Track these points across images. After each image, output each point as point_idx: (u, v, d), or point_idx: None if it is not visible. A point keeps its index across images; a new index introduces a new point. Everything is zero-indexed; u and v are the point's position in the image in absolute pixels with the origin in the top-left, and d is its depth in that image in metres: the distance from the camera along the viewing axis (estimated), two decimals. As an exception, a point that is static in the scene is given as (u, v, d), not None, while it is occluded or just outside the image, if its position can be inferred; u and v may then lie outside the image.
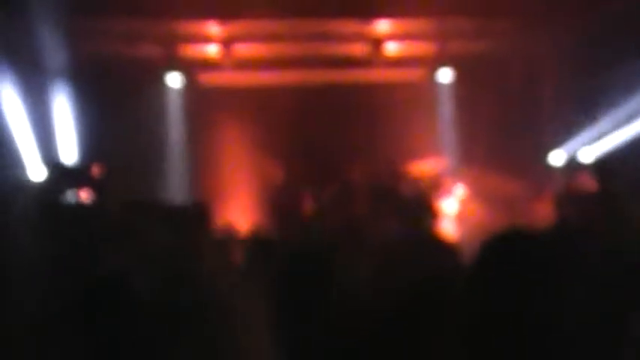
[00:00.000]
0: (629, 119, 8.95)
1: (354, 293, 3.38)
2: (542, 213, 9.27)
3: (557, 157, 10.54)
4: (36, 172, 8.53)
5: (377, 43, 10.43)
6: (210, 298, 1.73)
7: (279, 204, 9.57)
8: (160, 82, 10.44)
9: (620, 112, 9.02)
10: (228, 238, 8.81)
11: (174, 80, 10.51)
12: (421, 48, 10.75)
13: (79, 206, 7.49)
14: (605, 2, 9.07)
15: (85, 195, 7.50)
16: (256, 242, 4.36)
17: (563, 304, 1.61)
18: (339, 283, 3.32)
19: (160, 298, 1.81)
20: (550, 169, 10.56)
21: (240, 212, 9.76)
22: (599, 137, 9.61)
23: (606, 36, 8.78)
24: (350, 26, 10.46)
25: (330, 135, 10.06)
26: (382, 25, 10.43)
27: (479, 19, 10.17)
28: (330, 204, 9.41)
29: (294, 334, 2.93)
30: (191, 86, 10.51)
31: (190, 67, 10.52)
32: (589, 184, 9.51)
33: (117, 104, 9.17)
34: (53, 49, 8.62)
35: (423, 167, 9.66)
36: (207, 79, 10.62)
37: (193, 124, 10.22)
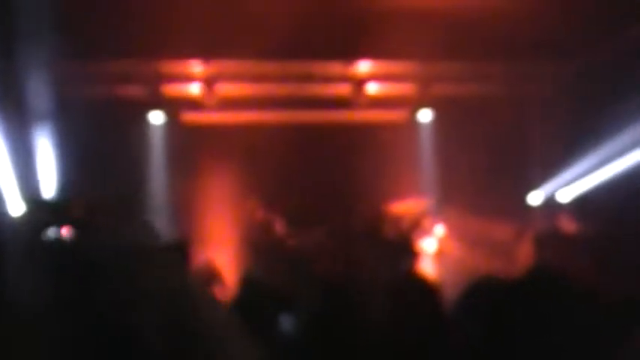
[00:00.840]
0: (608, 160, 9.10)
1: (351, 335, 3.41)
2: (523, 254, 9.35)
3: (536, 198, 10.65)
4: (17, 208, 8.52)
5: (359, 83, 10.55)
6: (199, 339, 1.76)
7: (261, 246, 9.57)
8: (143, 120, 10.51)
9: (600, 153, 9.17)
10: (211, 276, 8.83)
11: (157, 119, 10.59)
12: (403, 89, 10.89)
13: (61, 243, 7.46)
14: (589, 50, 9.28)
15: (66, 232, 7.48)
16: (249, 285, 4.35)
17: (542, 348, 1.65)
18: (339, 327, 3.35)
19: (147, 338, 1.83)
20: (530, 210, 10.66)
21: (221, 251, 9.76)
22: (579, 177, 9.74)
23: (588, 82, 8.97)
24: (333, 67, 10.60)
25: (312, 175, 10.12)
26: (364, 66, 10.58)
27: (462, 62, 10.37)
28: (315, 248, 9.42)
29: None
30: (174, 125, 10.59)
31: (173, 106, 10.60)
32: (569, 224, 9.63)
33: (100, 143, 9.20)
34: (37, 90, 8.68)
35: (404, 207, 9.72)
36: (190, 117, 10.70)
37: (176, 162, 10.26)
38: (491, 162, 10.19)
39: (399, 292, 4.34)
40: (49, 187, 9.15)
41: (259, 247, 9.53)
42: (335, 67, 10.63)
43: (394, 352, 3.28)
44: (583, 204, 9.61)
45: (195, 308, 1.79)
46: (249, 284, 4.44)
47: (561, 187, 10.17)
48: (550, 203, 10.34)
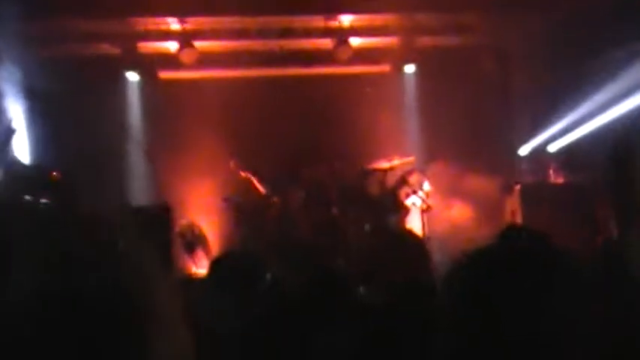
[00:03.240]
0: (597, 111, 9.09)
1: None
2: (511, 207, 9.39)
3: (525, 150, 10.67)
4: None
5: (341, 38, 10.45)
6: (174, 307, 1.72)
7: (244, 207, 9.56)
8: (119, 80, 10.39)
9: (589, 104, 9.16)
10: (194, 239, 8.81)
11: (134, 78, 10.47)
12: (386, 43, 10.80)
13: (38, 211, 7.40)
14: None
15: (43, 200, 7.42)
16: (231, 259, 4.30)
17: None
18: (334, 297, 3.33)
19: (122, 302, 1.79)
20: (518, 163, 10.69)
21: (203, 211, 9.75)
22: (567, 129, 9.74)
23: (578, 28, 8.90)
24: (314, 21, 10.49)
25: (294, 132, 10.08)
26: (346, 20, 10.48)
27: (445, 14, 10.29)
28: (299, 207, 9.43)
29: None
30: (151, 83, 10.48)
31: (150, 65, 10.48)
32: (557, 176, 9.67)
33: (77, 105, 9.10)
34: (8, 52, 8.53)
35: (389, 164, 9.71)
36: (168, 76, 10.59)
37: (153, 121, 10.17)
38: (477, 115, 10.17)
39: (386, 249, 4.34)
40: (23, 155, 9.04)
41: (241, 208, 9.52)
42: (316, 22, 10.53)
43: (382, 311, 3.27)
44: (571, 155, 9.62)
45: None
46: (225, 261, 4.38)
47: (549, 139, 10.17)
48: (538, 155, 10.35)
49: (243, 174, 9.65)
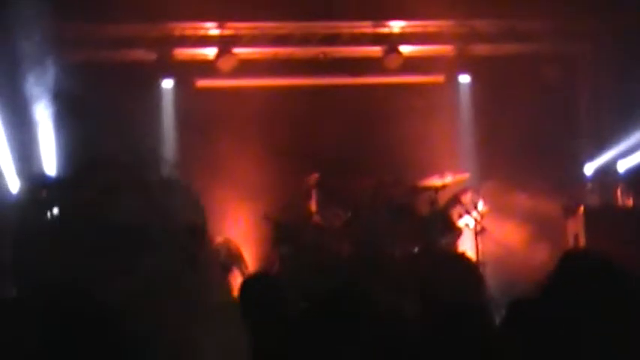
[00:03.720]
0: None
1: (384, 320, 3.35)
2: (573, 230, 9.19)
3: (590, 169, 10.46)
4: (19, 186, 8.49)
5: (391, 45, 10.39)
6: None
7: (285, 226, 9.47)
8: (155, 87, 10.44)
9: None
10: (231, 257, 8.77)
11: (169, 85, 10.51)
12: (439, 51, 10.71)
13: (69, 222, 7.43)
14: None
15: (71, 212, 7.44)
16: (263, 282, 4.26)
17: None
18: (369, 314, 3.29)
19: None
20: (582, 183, 10.48)
21: (240, 229, 9.70)
22: (638, 146, 9.53)
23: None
24: (362, 28, 10.46)
25: (339, 146, 10.00)
26: (397, 27, 10.43)
27: (503, 20, 10.18)
28: (344, 226, 9.33)
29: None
30: (187, 91, 10.50)
31: (186, 71, 10.52)
32: (625, 199, 9.43)
33: (108, 113, 9.17)
34: (41, 56, 8.65)
35: (441, 181, 9.58)
36: (205, 83, 10.61)
37: (189, 129, 10.17)
38: (538, 130, 10.00)
39: (436, 271, 4.25)
40: (53, 161, 9.12)
41: (281, 226, 9.45)
42: (364, 28, 10.49)
43: (430, 334, 3.21)
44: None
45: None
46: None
47: (617, 156, 9.96)
48: (605, 175, 10.14)
49: (283, 184, 9.58)
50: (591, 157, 10.46)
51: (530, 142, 9.91)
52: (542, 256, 8.02)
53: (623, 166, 9.96)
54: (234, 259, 8.93)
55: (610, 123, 10.17)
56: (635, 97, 9.38)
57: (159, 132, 10.24)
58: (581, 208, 9.19)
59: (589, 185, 10.41)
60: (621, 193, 9.55)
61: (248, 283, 4.17)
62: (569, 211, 9.35)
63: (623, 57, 9.54)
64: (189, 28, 10.28)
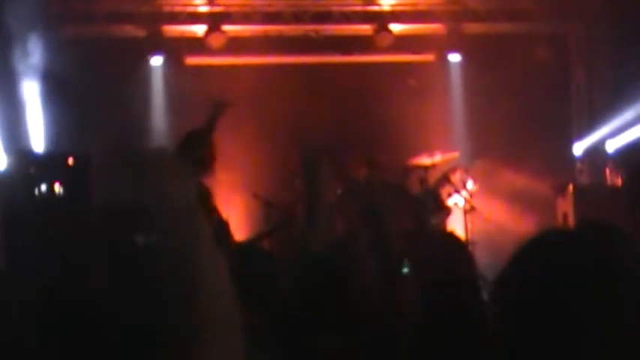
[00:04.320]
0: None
1: (374, 296, 3.36)
2: (562, 209, 9.21)
3: (580, 148, 10.47)
4: (4, 163, 8.42)
5: (382, 23, 10.35)
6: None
7: (274, 204, 9.46)
8: (143, 64, 10.36)
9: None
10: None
11: (158, 62, 10.43)
12: (430, 29, 10.67)
13: (54, 201, 7.41)
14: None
15: (59, 188, 7.40)
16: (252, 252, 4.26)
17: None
18: (359, 288, 3.31)
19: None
20: (572, 162, 10.49)
21: (229, 206, 9.67)
22: (627, 126, 9.52)
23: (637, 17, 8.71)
24: (352, 6, 10.41)
25: (329, 124, 9.98)
26: (387, 4, 10.39)
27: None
28: (337, 204, 9.31)
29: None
30: (176, 68, 10.43)
31: (176, 48, 10.44)
32: (615, 178, 9.45)
33: (97, 89, 9.11)
34: (27, 31, 8.57)
35: (431, 160, 9.57)
36: (194, 60, 10.54)
37: (178, 107, 10.12)
38: (528, 109, 9.99)
39: (426, 250, 4.26)
40: (40, 137, 9.06)
41: (270, 205, 9.43)
42: (355, 6, 10.44)
43: (422, 312, 3.23)
44: (631, 155, 9.41)
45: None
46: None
47: (607, 136, 9.96)
48: (594, 155, 10.16)
49: (273, 163, 9.56)
50: (581, 136, 10.47)
51: (520, 122, 9.91)
52: (531, 235, 8.02)
53: (611, 146, 9.97)
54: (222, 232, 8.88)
55: (600, 103, 10.16)
56: (625, 77, 9.37)
57: (148, 109, 10.17)
58: (571, 187, 9.20)
59: (578, 164, 10.44)
60: (610, 172, 9.57)
61: (235, 253, 4.17)
62: (559, 190, 9.36)
63: (616, 37, 9.52)
64: (178, 4, 10.22)
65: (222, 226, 5.31)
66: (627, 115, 9.46)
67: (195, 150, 6.23)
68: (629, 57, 9.11)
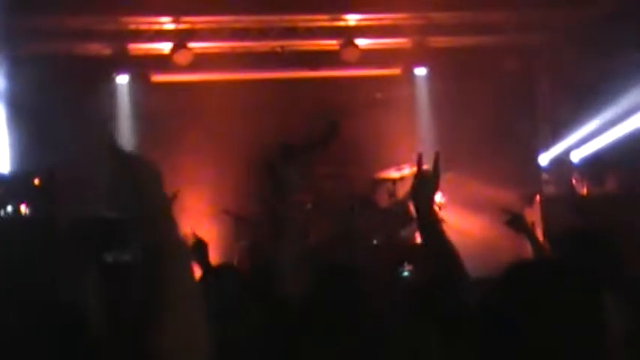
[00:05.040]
0: (623, 117, 8.99)
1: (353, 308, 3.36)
2: (530, 219, 9.26)
3: (546, 159, 10.56)
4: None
5: (348, 38, 10.39)
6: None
7: (245, 219, 9.42)
8: (109, 82, 10.30)
9: (615, 109, 9.06)
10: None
11: (124, 80, 10.37)
12: (396, 44, 10.73)
13: (21, 221, 7.33)
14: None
15: (25, 209, 7.33)
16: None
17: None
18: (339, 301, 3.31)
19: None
20: (539, 173, 10.57)
21: (199, 223, 9.62)
22: (592, 136, 9.63)
23: (608, 26, 8.81)
24: (319, 21, 10.43)
25: (298, 138, 9.97)
26: (353, 20, 10.43)
27: (460, 12, 10.22)
28: (305, 218, 9.29)
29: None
30: (142, 86, 10.37)
31: (141, 66, 10.39)
32: (581, 187, 9.55)
33: (62, 108, 9.02)
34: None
35: (399, 173, 9.60)
36: (160, 78, 10.49)
37: (144, 124, 10.07)
38: (495, 121, 10.07)
39: (397, 262, 4.28)
40: (5, 158, 8.95)
41: (241, 220, 9.39)
42: (321, 21, 10.46)
43: (393, 322, 3.24)
44: (596, 165, 9.52)
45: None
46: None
47: (573, 146, 10.06)
48: (560, 165, 10.25)
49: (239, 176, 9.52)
50: (546, 147, 10.56)
51: (487, 133, 9.98)
52: (500, 245, 8.06)
53: (577, 156, 10.07)
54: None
55: (564, 114, 10.27)
56: (589, 88, 9.48)
57: (114, 127, 10.09)
58: (538, 198, 9.29)
59: (545, 175, 10.52)
60: (576, 182, 9.67)
61: (208, 275, 4.14)
62: (526, 201, 9.44)
63: (580, 49, 9.63)
64: (144, 22, 10.16)
65: (201, 246, 5.25)
66: (591, 125, 9.58)
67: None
68: (593, 68, 9.22)
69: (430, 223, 2.75)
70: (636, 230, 6.24)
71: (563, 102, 10.28)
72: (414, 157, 9.84)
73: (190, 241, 8.57)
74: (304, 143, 7.20)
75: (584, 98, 9.64)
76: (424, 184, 2.77)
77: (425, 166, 9.74)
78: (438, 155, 2.81)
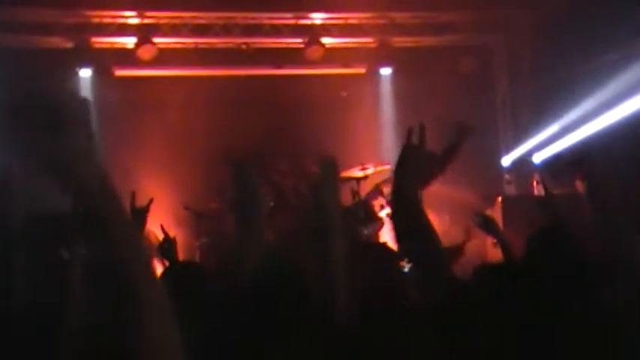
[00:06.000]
0: (585, 119, 9.08)
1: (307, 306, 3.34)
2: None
3: (508, 160, 10.63)
4: None
5: (313, 37, 10.38)
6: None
7: (206, 215, 9.38)
8: (72, 76, 10.16)
9: (577, 110, 9.14)
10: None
11: (87, 74, 10.24)
12: (361, 43, 10.74)
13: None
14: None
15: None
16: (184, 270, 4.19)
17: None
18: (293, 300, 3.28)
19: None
20: (500, 174, 10.64)
21: (160, 218, 9.52)
22: (554, 138, 9.71)
23: (568, 27, 8.88)
24: (284, 19, 10.41)
25: (260, 136, 9.94)
26: (318, 18, 10.42)
27: (423, 13, 10.26)
28: (267, 216, 9.24)
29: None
30: (105, 80, 10.25)
31: (105, 60, 10.27)
32: (540, 190, 9.62)
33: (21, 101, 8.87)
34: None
35: (363, 172, 9.61)
36: (124, 72, 10.38)
37: (107, 119, 9.94)
38: (459, 120, 10.10)
39: (358, 262, 4.26)
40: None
41: (202, 216, 9.34)
42: (286, 19, 10.44)
43: (350, 323, 3.22)
44: (558, 166, 9.60)
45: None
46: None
47: (534, 148, 10.14)
48: (521, 166, 10.33)
49: (198, 175, 9.46)
50: (508, 148, 10.64)
51: (449, 134, 10.00)
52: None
53: (538, 158, 10.15)
54: (152, 248, 8.74)
55: (526, 115, 10.35)
56: (548, 90, 9.56)
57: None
58: (499, 199, 9.35)
59: (506, 176, 10.59)
60: (537, 183, 9.74)
61: (169, 271, 4.09)
62: (488, 201, 9.49)
63: (538, 50, 9.72)
64: (107, 16, 10.05)
65: (169, 243, 5.17)
66: (554, 127, 9.66)
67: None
68: (555, 69, 9.30)
69: (412, 201, 2.65)
70: (596, 230, 6.30)
71: (526, 103, 10.36)
72: (378, 156, 9.89)
73: (156, 237, 8.50)
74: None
75: (546, 100, 9.72)
76: (411, 158, 2.65)
77: (387, 166, 9.59)
78: (424, 128, 2.68)
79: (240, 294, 3.33)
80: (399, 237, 2.65)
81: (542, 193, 9.49)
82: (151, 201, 4.74)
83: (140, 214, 4.68)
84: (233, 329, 3.08)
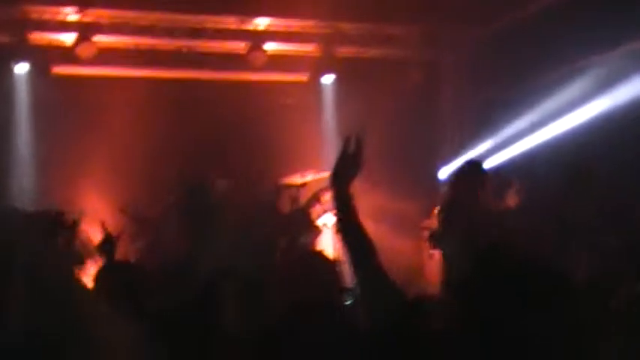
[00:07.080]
0: (526, 132, 9.23)
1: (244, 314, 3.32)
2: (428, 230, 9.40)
3: (446, 173, 10.73)
4: None
5: (257, 42, 10.34)
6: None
7: (142, 219, 9.25)
8: (7, 71, 9.93)
9: (518, 123, 9.28)
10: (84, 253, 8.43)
11: (23, 70, 10.00)
12: (304, 50, 10.75)
13: None
14: (508, 10, 9.33)
15: None
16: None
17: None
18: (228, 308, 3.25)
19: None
20: (438, 185, 10.74)
21: (95, 221, 9.37)
22: (494, 150, 9.84)
23: (513, 40, 9.02)
24: (227, 23, 10.35)
25: (199, 141, 9.87)
26: (263, 24, 10.39)
27: (368, 24, 10.32)
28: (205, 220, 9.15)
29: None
30: (42, 77, 10.03)
31: (42, 57, 10.05)
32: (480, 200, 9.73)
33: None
34: None
35: (302, 180, 9.60)
36: (61, 70, 10.17)
37: (44, 118, 9.75)
38: (400, 132, 10.18)
39: (296, 269, 4.25)
40: None
41: (138, 220, 9.22)
42: (229, 23, 10.38)
43: (290, 330, 3.22)
44: (497, 178, 9.73)
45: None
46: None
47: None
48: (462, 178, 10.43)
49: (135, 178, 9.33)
50: (448, 160, 10.75)
51: (391, 145, 10.08)
52: (400, 256, 8.15)
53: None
54: (86, 251, 8.59)
55: (467, 128, 10.47)
56: (493, 103, 9.70)
57: (11, 119, 9.75)
58: (436, 210, 9.42)
59: (445, 187, 10.69)
60: (478, 196, 9.84)
61: (101, 273, 4.04)
62: (425, 212, 9.58)
63: (483, 66, 9.85)
64: (47, 12, 9.83)
65: (109, 241, 5.13)
66: (494, 139, 9.79)
67: None
68: (497, 82, 9.44)
69: (346, 204, 2.72)
70: (536, 243, 6.40)
71: (466, 116, 10.48)
72: (318, 164, 9.88)
73: (80, 239, 8.34)
74: None
75: (487, 112, 9.85)
76: (346, 164, 2.74)
77: (327, 174, 9.69)
78: (362, 135, 2.76)
79: (178, 300, 3.31)
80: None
81: (482, 205, 9.64)
82: (80, 217, 4.73)
83: (69, 232, 4.67)
84: (171, 332, 3.05)
